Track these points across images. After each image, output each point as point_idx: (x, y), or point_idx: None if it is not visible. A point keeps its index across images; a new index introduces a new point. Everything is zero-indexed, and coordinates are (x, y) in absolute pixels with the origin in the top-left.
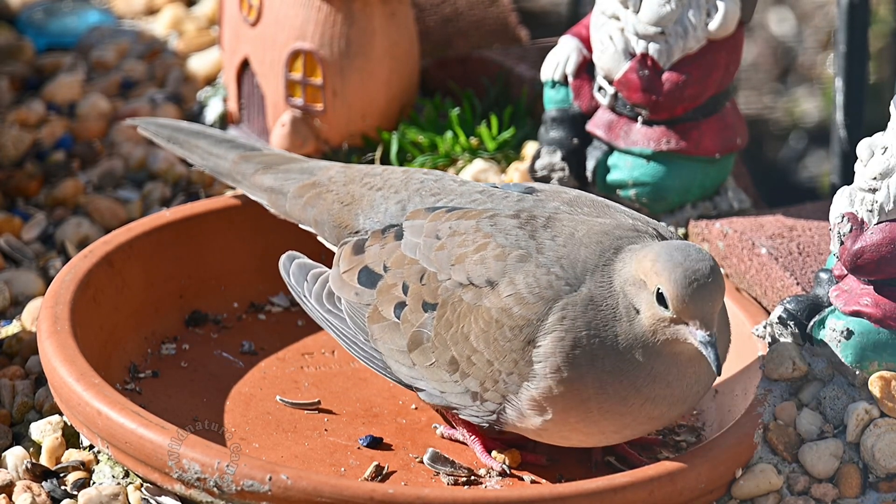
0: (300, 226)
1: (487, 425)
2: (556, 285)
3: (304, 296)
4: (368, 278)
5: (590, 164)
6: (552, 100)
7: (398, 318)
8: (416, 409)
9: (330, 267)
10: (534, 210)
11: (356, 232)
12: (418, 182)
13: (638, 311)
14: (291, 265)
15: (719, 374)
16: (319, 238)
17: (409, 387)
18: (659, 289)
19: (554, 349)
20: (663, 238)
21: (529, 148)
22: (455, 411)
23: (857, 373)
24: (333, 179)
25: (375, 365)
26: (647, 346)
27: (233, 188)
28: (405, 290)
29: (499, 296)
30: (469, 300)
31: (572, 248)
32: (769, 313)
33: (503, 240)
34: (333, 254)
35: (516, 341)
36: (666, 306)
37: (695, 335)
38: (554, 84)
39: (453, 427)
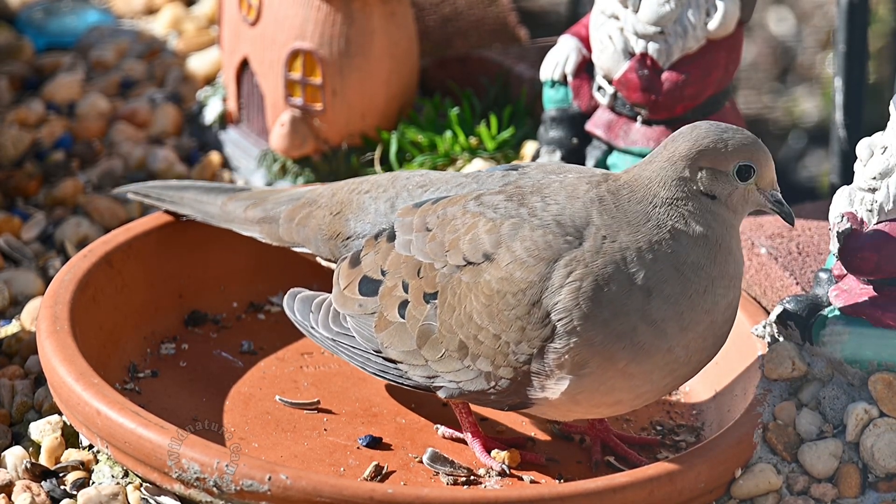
0: (295, 250)
1: (508, 408)
2: (555, 244)
3: (312, 328)
4: (369, 287)
5: (589, 164)
6: (551, 99)
7: (403, 318)
8: (415, 408)
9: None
10: (519, 181)
11: (349, 238)
12: (404, 179)
13: (714, 197)
14: (294, 302)
15: (792, 224)
16: (318, 259)
17: (428, 388)
18: (741, 164)
19: (576, 300)
20: None
21: (529, 147)
22: (476, 402)
23: (857, 372)
24: (321, 195)
25: (390, 375)
26: (712, 236)
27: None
28: (405, 288)
29: (498, 266)
30: (468, 280)
31: (565, 204)
32: (769, 313)
33: (493, 214)
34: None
35: (521, 307)
36: (748, 177)
37: (770, 197)
38: (553, 84)
39: (455, 427)
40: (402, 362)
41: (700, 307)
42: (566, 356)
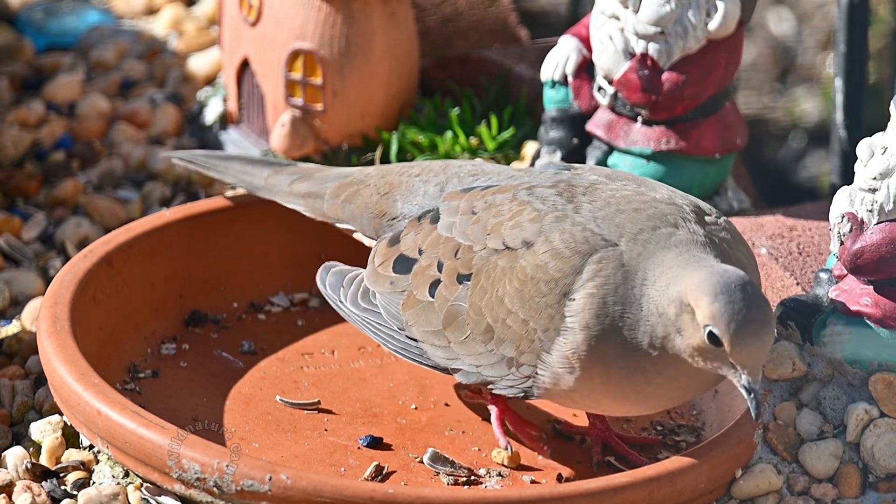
0: (337, 225)
1: (523, 394)
2: (592, 240)
3: (341, 301)
4: (403, 265)
5: (589, 164)
6: (552, 100)
7: (433, 297)
8: (415, 408)
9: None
10: (572, 181)
11: (394, 218)
12: (457, 166)
13: (679, 333)
14: (328, 275)
15: (757, 422)
16: (357, 235)
17: (446, 370)
18: (712, 330)
19: (584, 304)
20: (702, 212)
21: (529, 148)
22: (490, 386)
23: (857, 373)
24: (370, 175)
25: (411, 354)
26: (669, 352)
27: (233, 188)
28: (440, 268)
29: (535, 254)
30: (504, 264)
31: (609, 211)
32: None
33: (540, 205)
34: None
35: (552, 295)
36: (718, 345)
37: (740, 379)
38: (554, 84)
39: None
40: (423, 342)
41: (648, 398)
42: (567, 353)
